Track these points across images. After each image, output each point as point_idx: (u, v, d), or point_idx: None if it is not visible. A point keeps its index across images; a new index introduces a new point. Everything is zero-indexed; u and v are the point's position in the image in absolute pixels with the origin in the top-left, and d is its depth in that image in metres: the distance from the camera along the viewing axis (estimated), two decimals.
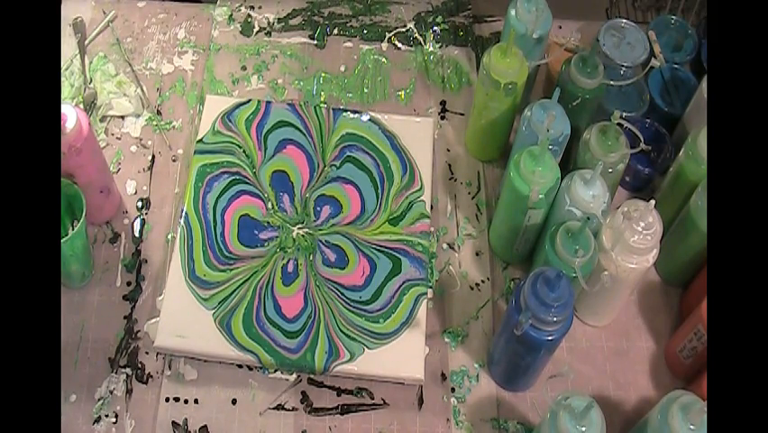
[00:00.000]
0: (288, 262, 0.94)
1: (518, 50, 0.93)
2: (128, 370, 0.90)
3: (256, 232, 0.96)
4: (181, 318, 0.90)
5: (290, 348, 0.88)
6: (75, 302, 0.93)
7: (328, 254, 0.94)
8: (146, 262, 0.96)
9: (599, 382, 0.91)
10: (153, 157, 1.04)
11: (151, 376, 0.89)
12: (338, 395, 0.89)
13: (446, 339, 0.93)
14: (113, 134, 1.05)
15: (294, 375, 0.90)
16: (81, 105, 1.06)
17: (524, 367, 0.85)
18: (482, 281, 0.96)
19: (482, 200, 1.02)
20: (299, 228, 0.96)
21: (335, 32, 1.15)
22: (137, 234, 0.98)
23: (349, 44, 1.14)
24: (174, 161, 1.03)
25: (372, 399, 0.89)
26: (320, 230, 0.96)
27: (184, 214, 0.96)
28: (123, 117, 1.06)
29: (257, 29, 1.15)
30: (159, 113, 1.07)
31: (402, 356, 0.89)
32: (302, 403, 0.88)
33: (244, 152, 1.01)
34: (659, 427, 0.74)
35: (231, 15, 1.16)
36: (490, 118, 0.98)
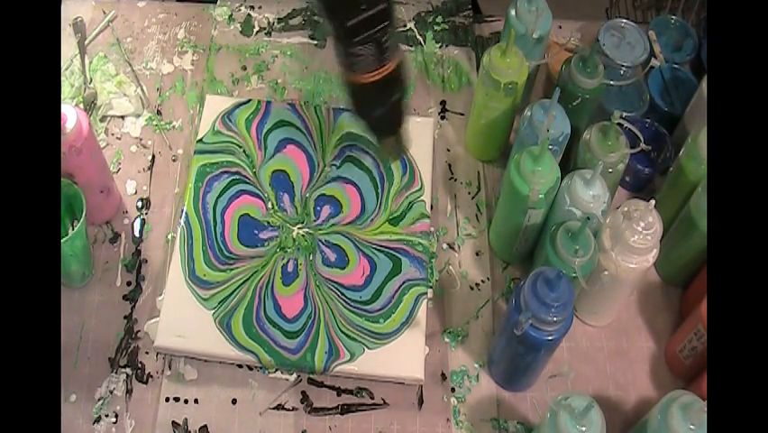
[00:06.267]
0: (288, 261, 0.94)
1: (518, 50, 0.93)
2: (128, 370, 0.90)
3: (256, 232, 0.96)
4: (181, 318, 0.90)
5: (290, 348, 0.88)
6: (75, 302, 0.93)
7: (328, 254, 0.94)
8: (146, 262, 0.96)
9: (599, 382, 0.91)
10: (153, 157, 1.04)
11: (151, 376, 0.90)
12: (338, 395, 0.89)
13: (446, 339, 0.93)
14: (113, 134, 1.05)
15: (294, 375, 0.90)
16: (81, 106, 1.06)
17: (524, 367, 0.85)
18: (482, 281, 0.96)
19: (482, 200, 1.02)
20: (299, 228, 0.96)
21: None
22: (137, 234, 0.98)
23: None
24: (174, 161, 1.03)
25: (372, 399, 0.89)
26: (320, 230, 0.96)
27: (184, 214, 0.96)
28: (123, 117, 1.06)
29: (257, 29, 1.15)
30: (159, 113, 1.07)
31: (402, 356, 0.89)
32: (302, 403, 0.88)
33: (244, 151, 1.01)
34: (659, 427, 0.74)
35: (231, 15, 1.16)
36: (490, 118, 0.98)
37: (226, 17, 1.16)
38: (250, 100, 1.05)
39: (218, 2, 1.17)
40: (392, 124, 0.85)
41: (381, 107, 0.79)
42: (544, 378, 0.89)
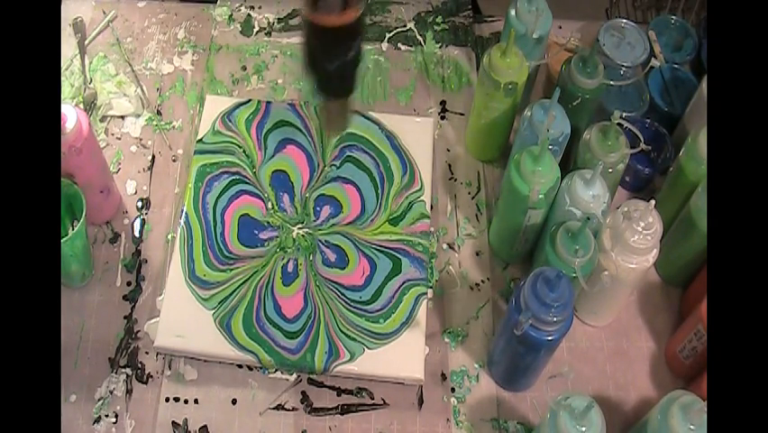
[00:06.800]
0: (287, 261, 0.94)
1: (518, 50, 0.93)
2: (128, 370, 0.90)
3: (256, 232, 0.96)
4: (181, 318, 0.90)
5: (290, 348, 0.88)
6: (75, 302, 0.93)
7: (328, 254, 0.94)
8: (146, 262, 0.96)
9: (599, 382, 0.91)
10: (153, 157, 1.04)
11: (151, 376, 0.90)
12: (338, 395, 0.89)
13: (446, 339, 0.93)
14: (113, 134, 1.05)
15: (294, 375, 0.90)
16: (81, 106, 1.06)
17: (524, 367, 0.85)
18: (482, 281, 0.96)
19: (482, 200, 1.02)
20: (299, 228, 0.96)
21: None
22: (137, 234, 0.98)
23: None
24: (174, 161, 1.03)
25: (372, 399, 0.89)
26: (320, 230, 0.96)
27: (184, 214, 0.96)
28: (123, 117, 1.06)
29: (257, 29, 1.15)
30: (159, 113, 1.07)
31: (402, 356, 0.89)
32: (302, 403, 0.88)
33: (244, 151, 1.01)
34: (659, 427, 0.74)
35: (231, 15, 1.16)
36: (490, 118, 0.98)
37: (226, 17, 1.16)
38: (250, 100, 1.05)
39: (218, 2, 1.17)
40: (342, 85, 0.84)
41: (336, 60, 0.79)
42: (543, 378, 0.89)
